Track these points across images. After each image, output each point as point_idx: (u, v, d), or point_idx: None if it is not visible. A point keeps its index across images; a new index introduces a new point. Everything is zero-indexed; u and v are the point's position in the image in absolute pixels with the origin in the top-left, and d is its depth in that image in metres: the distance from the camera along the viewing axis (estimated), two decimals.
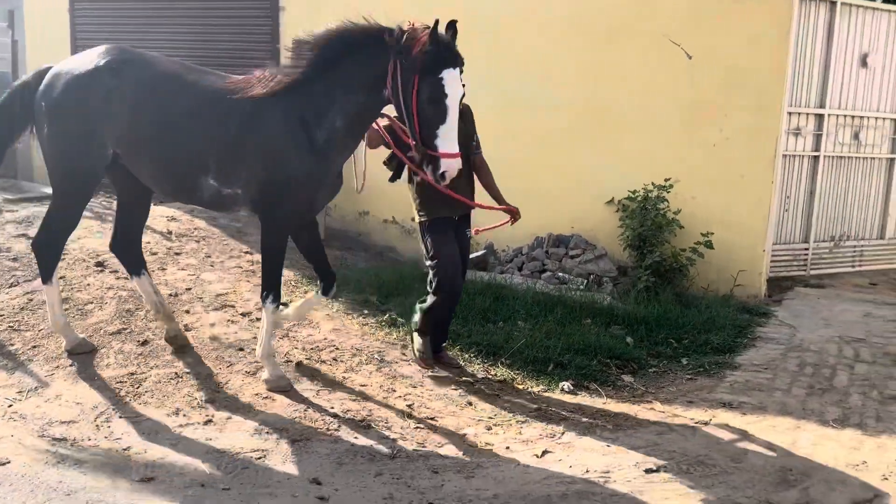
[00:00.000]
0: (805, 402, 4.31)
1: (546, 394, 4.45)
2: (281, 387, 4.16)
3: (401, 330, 5.25)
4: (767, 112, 6.24)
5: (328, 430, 3.81)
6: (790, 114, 6.78)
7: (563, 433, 3.93)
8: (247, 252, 6.59)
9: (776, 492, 3.30)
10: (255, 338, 4.81)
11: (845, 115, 7.24)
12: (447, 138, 3.64)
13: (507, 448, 3.74)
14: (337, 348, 4.87)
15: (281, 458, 3.49)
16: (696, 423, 4.00)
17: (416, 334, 4.72)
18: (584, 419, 4.10)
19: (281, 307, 4.34)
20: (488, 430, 3.93)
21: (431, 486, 3.29)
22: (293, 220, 4.13)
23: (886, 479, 3.43)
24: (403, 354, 4.90)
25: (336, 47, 3.78)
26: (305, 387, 4.26)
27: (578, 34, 6.76)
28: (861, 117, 7.34)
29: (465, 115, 4.28)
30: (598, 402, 4.37)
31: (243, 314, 5.19)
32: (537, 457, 3.64)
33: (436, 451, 3.69)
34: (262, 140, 3.91)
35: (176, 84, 4.09)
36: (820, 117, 7.07)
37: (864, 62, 7.31)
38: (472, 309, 5.60)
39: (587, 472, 3.46)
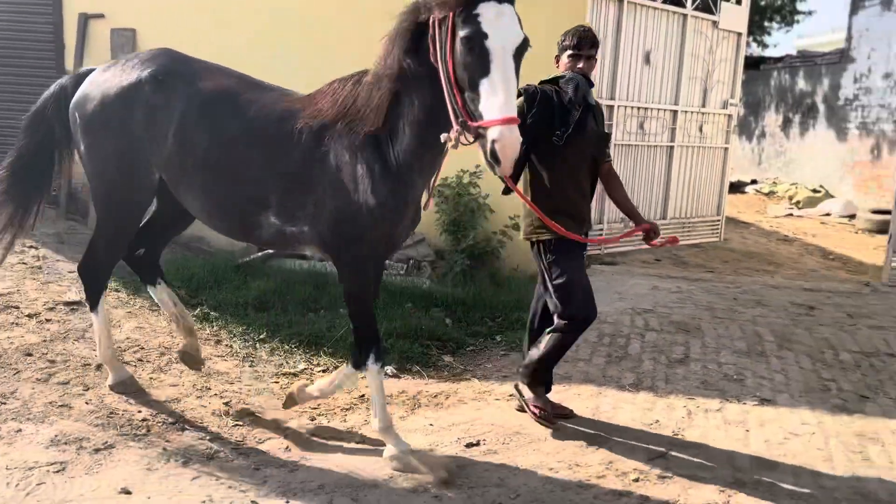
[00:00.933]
0: (605, 370, 4.69)
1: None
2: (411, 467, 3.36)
3: (214, 325, 5.01)
4: None
5: (136, 435, 3.54)
6: None
7: None
8: (31, 247, 5.95)
9: (583, 455, 3.56)
10: (45, 341, 4.36)
11: (632, 107, 7.93)
12: (493, 98, 2.66)
13: (332, 437, 3.70)
14: (142, 348, 4.54)
15: (83, 470, 3.19)
16: (511, 396, 4.20)
17: (524, 388, 3.97)
18: (408, 401, 4.16)
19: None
20: (312, 420, 3.87)
21: (254, 484, 3.18)
22: (371, 259, 3.40)
23: (676, 434, 3.83)
24: (217, 350, 4.68)
25: (391, 49, 3.07)
26: (106, 391, 3.93)
27: (354, 9, 6.69)
28: (645, 108, 8.07)
29: (597, 113, 3.78)
30: (421, 384, 4.45)
31: (30, 315, 4.68)
32: (361, 443, 3.64)
33: (257, 447, 3.56)
34: (330, 167, 3.20)
35: (229, 103, 3.42)
36: (611, 108, 7.68)
37: (647, 59, 8.04)
38: (293, 298, 5.48)
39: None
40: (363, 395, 4.20)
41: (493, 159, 2.67)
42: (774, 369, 4.84)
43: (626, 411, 4.10)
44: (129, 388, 3.93)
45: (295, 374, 4.45)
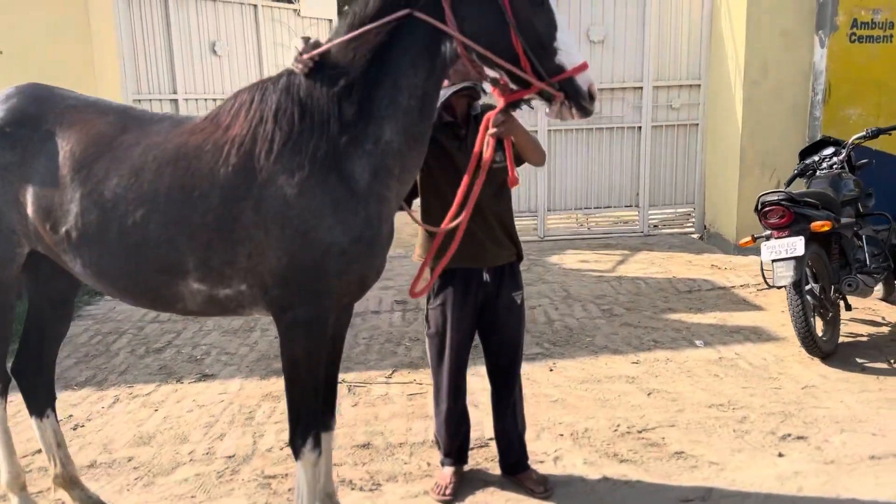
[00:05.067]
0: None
1: None
2: None
3: None
4: None
5: None
6: (139, 101, 7.29)
7: None
8: None
9: None
10: None
11: (197, 99, 8.04)
12: (570, 44, 2.42)
13: None
14: None
15: None
16: None
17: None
18: None
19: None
20: None
21: None
22: (332, 314, 2.61)
23: None
24: None
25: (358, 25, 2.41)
26: None
27: None
28: (214, 100, 8.22)
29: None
30: None
31: None
32: None
33: None
34: (269, 204, 2.40)
35: (105, 150, 2.57)
36: (175, 102, 7.73)
37: (213, 49, 8.18)
38: None
39: None
40: None
41: (591, 100, 2.44)
42: None
43: None
44: None
45: None
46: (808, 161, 5.55)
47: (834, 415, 3.93)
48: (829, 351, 4.66)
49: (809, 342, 4.54)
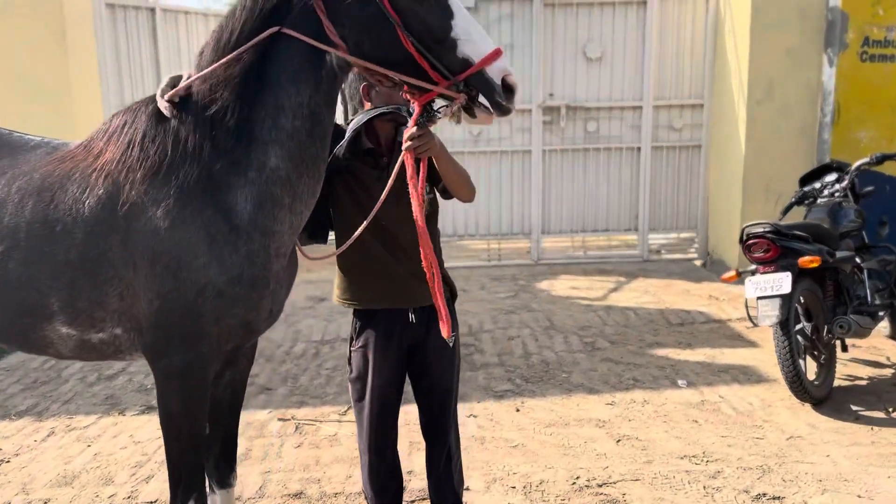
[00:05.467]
0: None
1: None
2: None
3: None
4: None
5: None
6: None
7: None
8: None
9: None
10: None
11: None
12: (474, 32, 2.07)
13: None
14: None
15: None
16: None
17: None
18: None
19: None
20: None
21: None
22: (214, 362, 2.31)
23: None
24: None
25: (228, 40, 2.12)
26: None
27: None
28: None
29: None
30: None
31: None
32: None
33: None
34: (138, 239, 2.15)
35: None
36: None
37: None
38: None
39: None
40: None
41: (509, 93, 2.09)
42: None
43: None
44: None
45: None
46: (807, 188, 5.18)
47: (818, 471, 3.56)
48: (822, 396, 4.27)
49: (798, 386, 4.17)
